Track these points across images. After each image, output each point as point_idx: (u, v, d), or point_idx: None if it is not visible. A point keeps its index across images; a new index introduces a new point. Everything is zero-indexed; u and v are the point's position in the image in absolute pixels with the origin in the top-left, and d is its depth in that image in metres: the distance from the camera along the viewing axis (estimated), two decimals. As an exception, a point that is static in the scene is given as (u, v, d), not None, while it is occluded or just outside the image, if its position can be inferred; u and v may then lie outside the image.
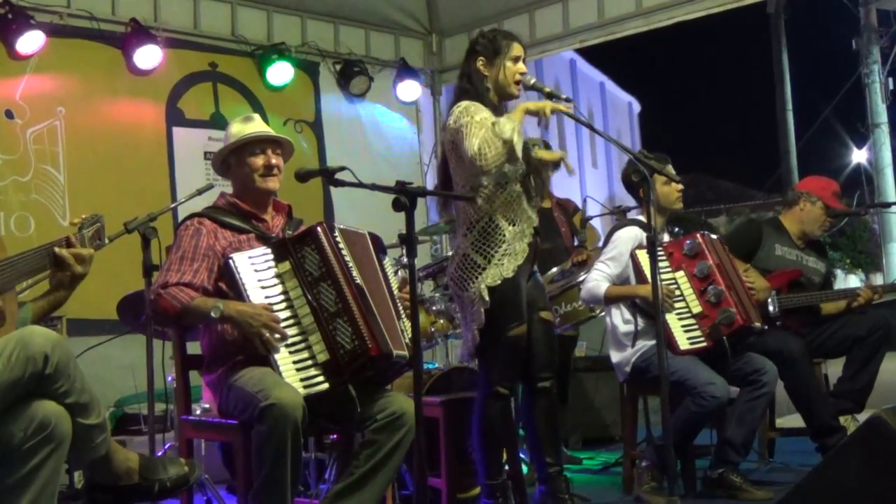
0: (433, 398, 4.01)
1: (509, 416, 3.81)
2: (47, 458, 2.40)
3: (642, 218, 4.38)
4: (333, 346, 3.08)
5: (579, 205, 5.87)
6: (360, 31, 7.38)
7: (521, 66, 3.79)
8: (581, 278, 4.86)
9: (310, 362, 3.09)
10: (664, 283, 4.17)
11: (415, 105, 7.63)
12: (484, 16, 7.28)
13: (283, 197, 3.55)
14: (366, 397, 3.15)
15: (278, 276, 3.18)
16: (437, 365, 5.03)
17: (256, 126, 3.45)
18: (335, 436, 3.89)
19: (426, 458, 2.92)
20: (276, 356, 3.07)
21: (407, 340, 3.24)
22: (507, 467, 3.92)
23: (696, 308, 4.21)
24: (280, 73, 6.70)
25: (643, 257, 4.16)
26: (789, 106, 18.16)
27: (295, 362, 3.08)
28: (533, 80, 3.75)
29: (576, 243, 5.60)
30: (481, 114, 3.62)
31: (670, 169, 4.18)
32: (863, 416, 4.53)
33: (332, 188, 6.66)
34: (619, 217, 5.02)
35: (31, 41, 5.60)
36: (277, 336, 3.08)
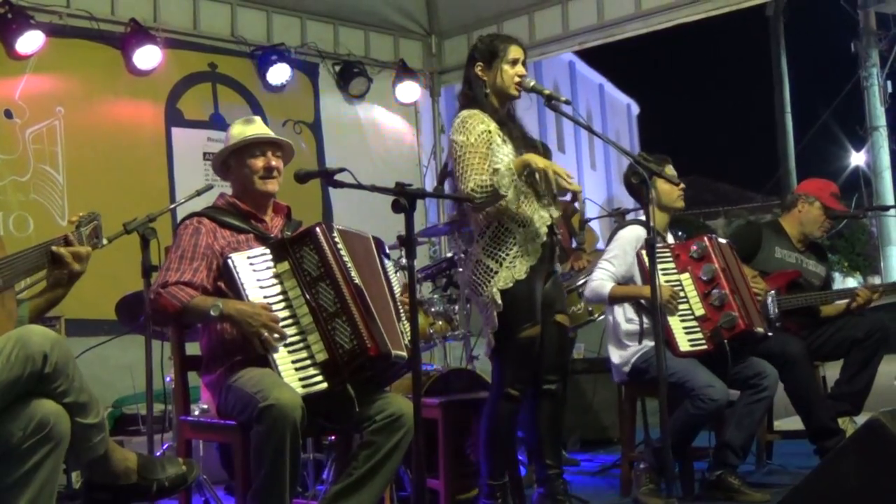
0: (432, 399, 4.02)
1: (515, 418, 3.81)
2: (46, 458, 2.39)
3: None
4: (332, 345, 3.07)
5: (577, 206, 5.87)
6: (360, 32, 7.38)
7: (519, 68, 3.78)
8: (581, 282, 4.87)
9: (308, 362, 3.08)
10: (669, 284, 4.18)
11: (414, 106, 7.62)
12: (483, 17, 7.29)
13: (282, 198, 3.55)
14: (364, 398, 3.15)
15: (277, 276, 3.18)
16: (435, 366, 5.02)
17: (257, 128, 3.45)
18: (334, 437, 3.89)
19: (425, 460, 2.92)
20: (275, 356, 3.07)
21: (406, 342, 3.23)
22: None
23: (699, 310, 4.20)
24: (279, 73, 6.71)
25: (649, 258, 4.15)
26: (788, 108, 18.11)
27: (294, 362, 3.08)
28: (532, 83, 3.76)
29: (574, 245, 5.59)
30: (479, 127, 3.65)
31: (670, 170, 4.17)
32: (860, 419, 4.54)
33: (330, 189, 6.75)
34: (618, 219, 5.02)
35: (30, 41, 5.61)
36: (276, 335, 3.07)
